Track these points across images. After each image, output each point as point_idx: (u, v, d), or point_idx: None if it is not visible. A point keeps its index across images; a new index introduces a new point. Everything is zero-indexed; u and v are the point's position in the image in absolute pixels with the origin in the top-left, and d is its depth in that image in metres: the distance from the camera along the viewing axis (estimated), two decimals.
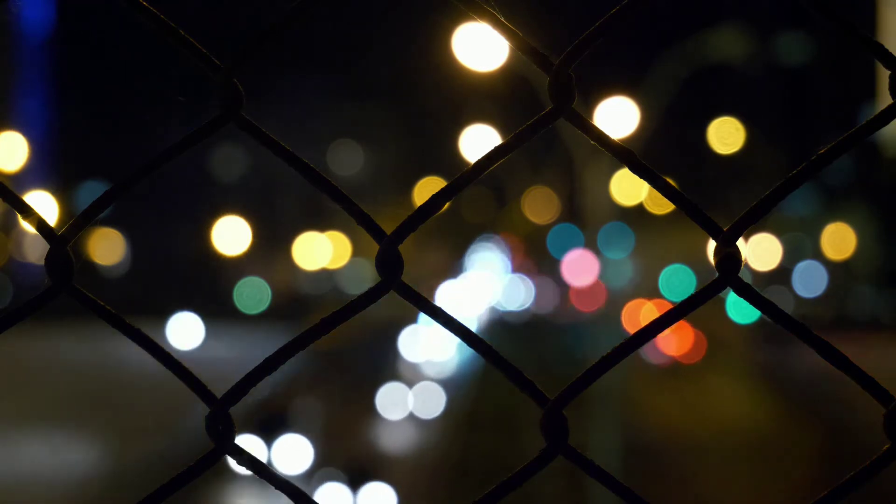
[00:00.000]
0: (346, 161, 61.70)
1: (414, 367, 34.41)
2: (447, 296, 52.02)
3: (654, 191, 1.49)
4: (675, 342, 38.30)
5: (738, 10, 43.95)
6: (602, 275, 27.48)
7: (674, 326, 1.50)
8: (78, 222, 1.51)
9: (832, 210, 55.94)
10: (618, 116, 19.30)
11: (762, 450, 24.11)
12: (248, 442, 20.16)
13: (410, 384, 29.83)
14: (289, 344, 1.50)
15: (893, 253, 54.04)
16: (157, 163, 1.50)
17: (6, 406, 27.49)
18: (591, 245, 25.34)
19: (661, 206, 45.34)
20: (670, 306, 1.49)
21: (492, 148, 1.48)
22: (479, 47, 15.87)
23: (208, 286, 54.37)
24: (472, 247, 62.75)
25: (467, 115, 29.28)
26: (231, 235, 52.98)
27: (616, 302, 25.02)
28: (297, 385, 28.30)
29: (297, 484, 1.50)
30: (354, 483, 19.48)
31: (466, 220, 60.96)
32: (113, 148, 52.70)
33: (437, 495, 21.47)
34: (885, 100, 1.50)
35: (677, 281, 49.76)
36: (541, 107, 1.50)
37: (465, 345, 1.48)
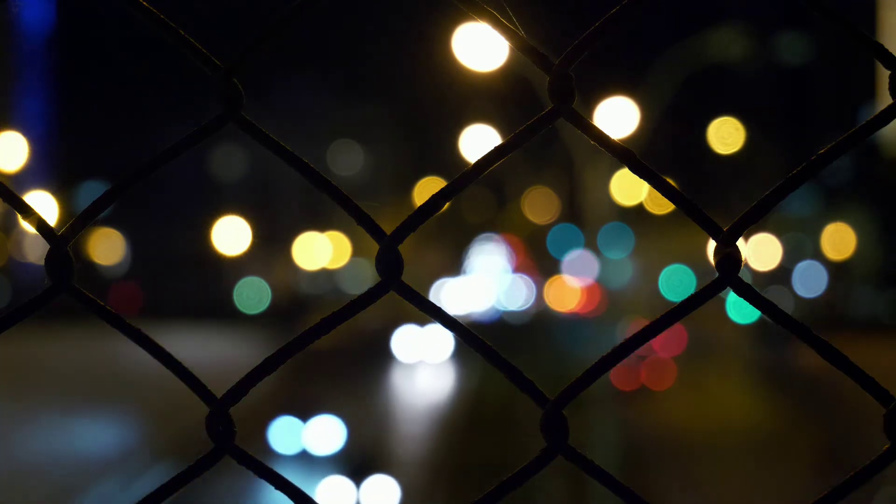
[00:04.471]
0: (346, 161, 61.70)
1: None
2: (447, 296, 52.05)
3: (654, 191, 1.49)
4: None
5: (738, 10, 43.94)
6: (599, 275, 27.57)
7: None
8: (78, 222, 1.51)
9: (832, 210, 55.94)
10: (618, 116, 19.31)
11: (762, 449, 24.12)
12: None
13: None
14: (289, 344, 1.50)
15: (893, 253, 54.02)
16: (158, 163, 1.50)
17: (6, 405, 27.51)
18: (591, 245, 25.35)
19: (661, 206, 45.34)
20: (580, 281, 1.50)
21: (492, 148, 1.48)
22: (479, 47, 15.88)
23: (208, 286, 54.38)
24: (472, 247, 62.74)
25: (467, 115, 29.27)
26: (231, 235, 52.98)
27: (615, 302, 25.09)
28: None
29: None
30: (357, 475, 19.57)
31: (466, 220, 60.96)
32: (113, 148, 52.70)
33: (438, 495, 21.47)
34: (885, 100, 1.49)
35: (677, 281, 49.80)
36: (541, 107, 1.50)
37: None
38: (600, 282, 29.20)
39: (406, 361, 37.26)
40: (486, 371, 31.92)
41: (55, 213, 37.83)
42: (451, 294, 53.43)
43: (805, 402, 30.64)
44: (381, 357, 37.07)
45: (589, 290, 45.74)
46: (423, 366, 36.99)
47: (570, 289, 53.32)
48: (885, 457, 1.49)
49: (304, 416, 22.89)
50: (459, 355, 37.28)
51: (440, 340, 37.31)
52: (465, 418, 28.61)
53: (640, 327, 1.49)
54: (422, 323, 37.37)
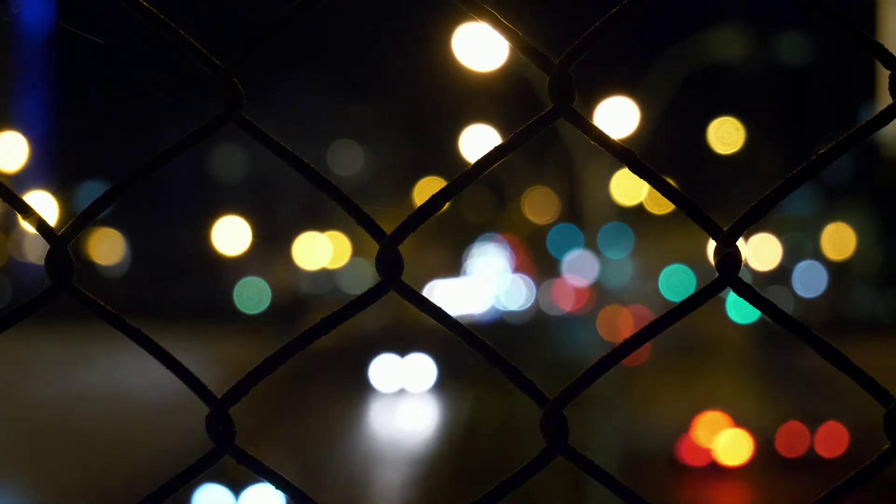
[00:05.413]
0: (346, 161, 61.69)
1: None
2: (447, 296, 52.01)
3: (654, 191, 1.49)
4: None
5: (738, 10, 43.92)
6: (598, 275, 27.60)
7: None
8: (78, 222, 1.51)
9: (832, 210, 55.95)
10: (618, 116, 19.32)
11: (762, 449, 24.09)
12: None
13: None
14: (289, 344, 1.50)
15: (893, 253, 54.03)
16: (158, 163, 1.50)
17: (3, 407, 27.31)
18: (591, 245, 25.37)
19: (661, 206, 45.36)
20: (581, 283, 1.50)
21: (492, 148, 1.48)
22: (479, 47, 15.89)
23: (208, 286, 54.37)
24: (473, 247, 62.73)
25: (467, 115, 29.28)
26: (231, 235, 52.98)
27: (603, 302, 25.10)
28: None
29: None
30: None
31: (466, 220, 60.94)
32: (113, 148, 52.68)
33: (438, 495, 21.43)
34: (885, 100, 1.49)
35: (677, 281, 49.80)
36: (541, 107, 1.50)
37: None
38: (593, 282, 29.21)
39: (385, 391, 35.26)
40: (476, 402, 31.02)
41: (55, 213, 37.81)
42: (450, 294, 53.33)
43: (805, 402, 30.63)
44: (356, 386, 34.73)
45: (582, 290, 45.92)
46: (404, 396, 34.81)
47: (568, 288, 53.51)
48: (885, 457, 1.49)
49: (237, 485, 17.55)
50: (444, 385, 35.20)
51: (422, 369, 35.44)
52: (465, 419, 27.77)
53: (640, 322, 1.50)
54: (402, 353, 35.27)
